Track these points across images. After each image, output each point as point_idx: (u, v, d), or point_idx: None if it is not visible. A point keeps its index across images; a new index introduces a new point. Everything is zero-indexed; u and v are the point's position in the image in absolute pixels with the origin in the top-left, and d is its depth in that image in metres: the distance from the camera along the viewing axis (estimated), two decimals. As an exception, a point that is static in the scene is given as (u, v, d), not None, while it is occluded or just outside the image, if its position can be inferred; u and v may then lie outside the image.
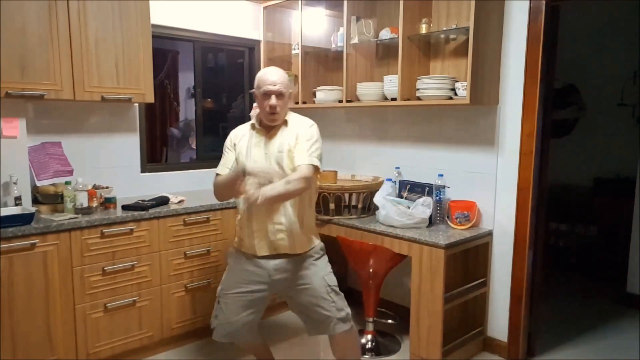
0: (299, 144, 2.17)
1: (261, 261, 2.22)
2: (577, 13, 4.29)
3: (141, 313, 2.79)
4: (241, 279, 2.26)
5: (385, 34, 3.11)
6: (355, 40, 3.21)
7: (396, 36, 2.95)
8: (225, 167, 2.24)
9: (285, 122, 2.24)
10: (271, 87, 2.12)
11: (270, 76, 2.16)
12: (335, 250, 2.85)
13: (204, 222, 3.01)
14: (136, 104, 3.26)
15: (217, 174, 2.25)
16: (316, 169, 2.15)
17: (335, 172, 3.30)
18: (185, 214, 2.92)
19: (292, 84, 2.18)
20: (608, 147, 4.66)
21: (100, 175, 3.06)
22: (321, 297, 2.23)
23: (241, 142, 2.26)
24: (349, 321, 2.29)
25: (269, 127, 2.23)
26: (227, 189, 2.15)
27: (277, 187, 2.01)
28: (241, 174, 2.03)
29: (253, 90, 2.24)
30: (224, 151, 2.30)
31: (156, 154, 5.02)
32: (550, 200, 2.95)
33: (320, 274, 2.26)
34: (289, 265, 2.24)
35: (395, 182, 3.12)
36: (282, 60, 3.86)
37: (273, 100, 2.12)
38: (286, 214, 2.18)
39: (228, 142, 2.30)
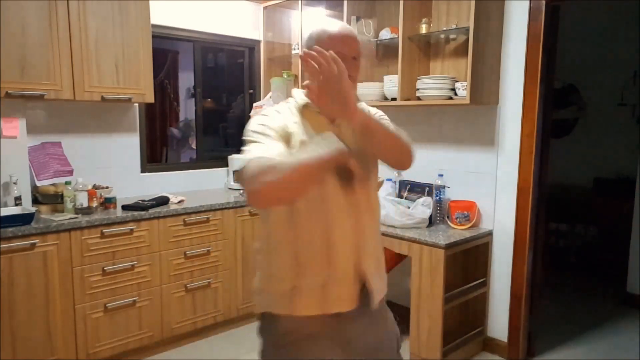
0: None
1: (337, 322, 1.34)
2: (577, 13, 4.29)
3: (141, 313, 2.78)
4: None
5: (385, 34, 3.11)
6: (355, 40, 3.20)
7: (396, 36, 2.95)
8: (273, 152, 1.21)
9: None
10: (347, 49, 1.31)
11: (345, 32, 1.34)
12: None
13: (204, 222, 3.01)
14: (136, 104, 3.26)
15: (263, 158, 1.17)
16: None
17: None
18: (185, 214, 2.92)
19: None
20: (608, 147, 4.65)
21: (100, 175, 3.05)
22: None
23: (294, 131, 1.32)
24: None
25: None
26: (314, 171, 1.14)
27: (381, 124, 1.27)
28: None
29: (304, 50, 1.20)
30: (257, 135, 1.27)
31: (156, 154, 5.02)
32: (550, 200, 2.94)
33: (395, 331, 1.52)
34: (368, 319, 1.39)
35: (395, 182, 3.12)
36: (282, 60, 3.87)
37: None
38: (374, 228, 1.42)
39: (269, 124, 1.30)
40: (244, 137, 1.32)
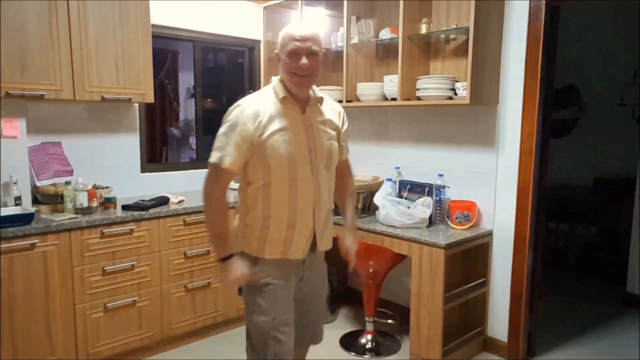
0: (343, 131, 1.84)
1: (294, 265, 1.80)
2: (577, 13, 4.29)
3: (141, 313, 2.79)
4: (287, 295, 1.77)
5: (385, 34, 3.11)
6: (355, 40, 3.21)
7: (396, 36, 2.95)
8: (233, 158, 1.65)
9: (320, 100, 1.76)
10: (299, 44, 1.61)
11: (298, 31, 1.62)
12: (335, 250, 2.84)
13: (204, 222, 3.01)
14: (136, 104, 3.26)
15: (220, 167, 1.67)
16: None
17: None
18: (185, 214, 2.92)
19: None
20: (608, 147, 4.65)
21: (100, 175, 3.05)
22: (322, 300, 2.01)
23: (271, 124, 1.64)
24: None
25: (300, 101, 1.72)
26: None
27: (351, 214, 2.07)
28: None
29: (276, 51, 1.71)
30: (225, 134, 1.69)
31: (156, 154, 5.02)
32: (550, 200, 2.95)
33: (326, 274, 2.04)
34: (314, 261, 1.89)
35: (395, 182, 3.12)
36: (282, 60, 3.86)
37: (303, 59, 1.61)
38: (328, 203, 1.86)
39: (244, 121, 1.64)
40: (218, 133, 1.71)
